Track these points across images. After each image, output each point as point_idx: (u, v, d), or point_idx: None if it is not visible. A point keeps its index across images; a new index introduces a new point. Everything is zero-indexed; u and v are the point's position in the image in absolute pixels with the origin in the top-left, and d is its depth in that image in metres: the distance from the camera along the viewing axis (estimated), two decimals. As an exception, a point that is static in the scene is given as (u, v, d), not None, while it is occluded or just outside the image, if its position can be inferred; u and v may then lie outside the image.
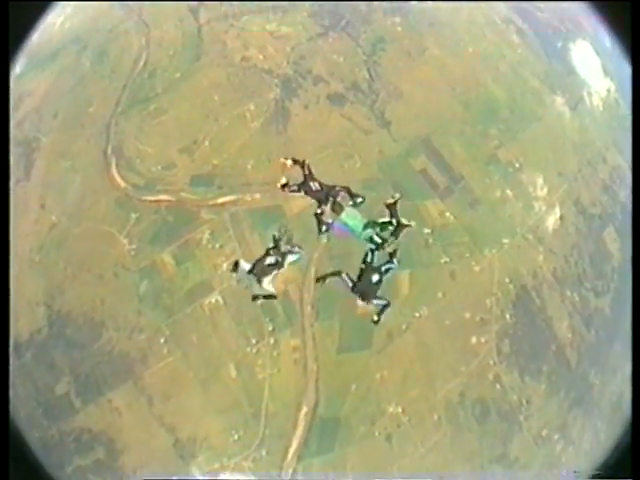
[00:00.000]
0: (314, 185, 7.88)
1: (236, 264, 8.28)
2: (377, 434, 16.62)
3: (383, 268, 7.66)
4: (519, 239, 16.77)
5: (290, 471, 17.10)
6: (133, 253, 17.52)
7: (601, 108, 21.29)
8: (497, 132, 17.16)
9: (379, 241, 7.32)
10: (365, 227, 7.17)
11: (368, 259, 7.45)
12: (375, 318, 7.98)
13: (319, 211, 7.90)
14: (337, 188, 7.60)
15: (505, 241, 16.27)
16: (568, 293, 17.33)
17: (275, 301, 15.18)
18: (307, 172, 7.95)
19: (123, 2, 22.07)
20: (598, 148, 19.68)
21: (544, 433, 18.12)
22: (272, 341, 16.03)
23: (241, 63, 18.93)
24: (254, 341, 16.14)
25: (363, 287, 7.58)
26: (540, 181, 17.19)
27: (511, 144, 17.10)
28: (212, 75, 19.30)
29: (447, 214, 16.30)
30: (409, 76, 18.08)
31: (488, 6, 21.70)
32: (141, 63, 20.69)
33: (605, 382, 19.68)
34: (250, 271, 7.79)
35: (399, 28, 19.43)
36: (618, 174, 20.15)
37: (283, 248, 8.13)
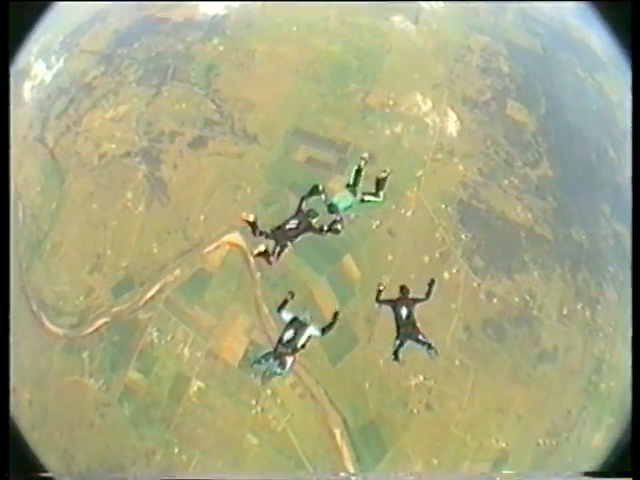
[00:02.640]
0: (293, 223, 7.49)
1: (258, 360, 7.04)
2: (416, 411, 16.21)
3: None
4: (431, 164, 16.54)
5: None
6: (104, 388, 17.17)
7: (442, 4, 21.35)
8: (356, 85, 17.01)
9: (373, 200, 7.17)
10: (354, 194, 7.02)
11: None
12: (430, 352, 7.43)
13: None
14: (305, 210, 7.36)
15: (419, 173, 15.98)
16: (505, 182, 17.01)
17: (251, 355, 15.66)
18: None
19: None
20: (458, 41, 19.58)
21: (565, 311, 18.05)
22: (269, 392, 15.55)
23: (100, 162, 18.75)
24: (254, 402, 15.65)
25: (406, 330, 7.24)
26: (419, 99, 16.96)
27: (375, 87, 16.94)
28: (82, 188, 19.03)
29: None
30: (252, 83, 17.94)
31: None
32: (20, 214, 20.60)
33: (591, 233, 19.32)
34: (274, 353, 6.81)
35: (221, 48, 19.39)
36: (489, 52, 20.03)
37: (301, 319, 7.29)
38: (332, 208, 7.27)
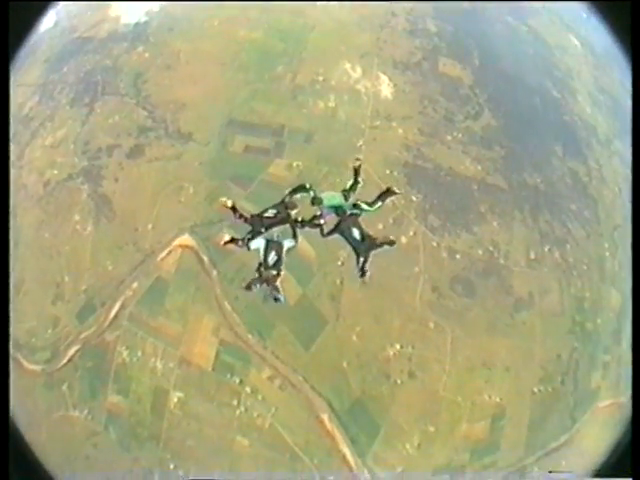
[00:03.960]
0: (271, 212, 7.32)
1: (248, 286, 7.18)
2: (400, 381, 15.84)
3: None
4: (370, 132, 16.36)
5: (365, 471, 17.03)
6: (90, 417, 16.78)
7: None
8: (283, 66, 16.87)
9: (365, 208, 6.97)
10: (345, 199, 6.82)
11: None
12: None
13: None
14: (287, 200, 7.16)
15: (359, 143, 15.81)
16: (448, 137, 16.89)
17: (223, 355, 15.50)
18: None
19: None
20: (382, 9, 19.46)
21: (532, 255, 17.80)
22: (249, 390, 15.19)
23: (45, 190, 18.39)
24: (235, 402, 15.27)
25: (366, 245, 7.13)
26: (349, 69, 16.82)
27: (301, 65, 16.79)
28: (32, 220, 18.55)
29: (293, 164, 15.92)
30: (180, 84, 17.71)
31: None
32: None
33: (546, 175, 19.25)
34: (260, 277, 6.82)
35: (146, 54, 19.08)
36: (415, 15, 19.95)
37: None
38: (315, 201, 6.99)
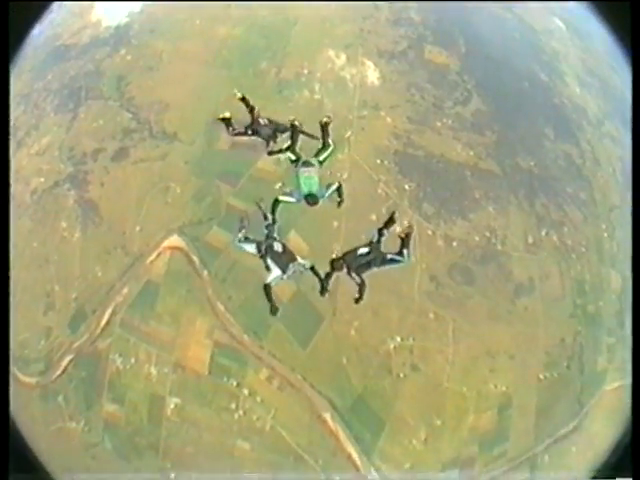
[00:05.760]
0: (263, 120, 6.98)
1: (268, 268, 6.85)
2: (402, 375, 15.44)
3: (389, 256, 6.63)
4: (358, 122, 16.11)
5: (372, 470, 16.66)
6: (87, 429, 16.33)
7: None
8: (268, 62, 16.68)
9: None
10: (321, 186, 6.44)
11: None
12: (356, 296, 6.85)
13: (269, 149, 7.08)
14: (283, 126, 6.84)
15: (347, 134, 15.55)
16: (438, 124, 16.65)
17: (218, 358, 15.16)
18: (254, 111, 7.03)
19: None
20: (364, 1, 19.39)
21: (530, 240, 17.51)
22: (247, 392, 14.74)
23: (32, 199, 18.03)
24: (234, 406, 14.81)
25: (353, 262, 6.64)
26: (332, 54, 16.60)
27: (287, 60, 16.62)
28: (21, 229, 17.94)
29: (281, 158, 15.64)
30: (163, 84, 17.48)
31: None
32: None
33: (539, 158, 18.77)
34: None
35: (128, 57, 18.82)
36: (398, 6, 19.76)
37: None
38: (311, 199, 6.63)
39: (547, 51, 22.35)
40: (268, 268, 6.93)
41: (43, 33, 25.65)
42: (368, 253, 6.87)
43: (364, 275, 6.78)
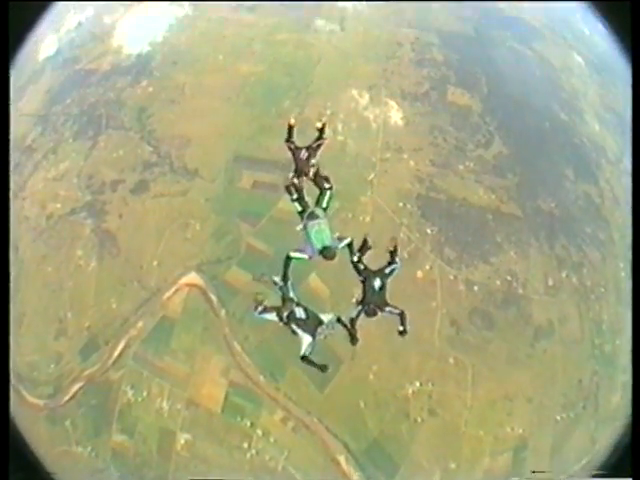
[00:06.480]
0: (303, 154, 6.88)
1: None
2: (420, 419, 15.14)
3: (387, 270, 6.48)
4: (381, 164, 16.01)
5: None
6: (94, 455, 16.19)
7: (365, 4, 21.22)
8: (291, 101, 16.69)
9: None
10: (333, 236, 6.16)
11: (360, 267, 6.37)
12: (401, 329, 6.59)
13: (294, 181, 6.87)
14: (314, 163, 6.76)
15: (370, 176, 15.47)
16: (460, 167, 16.58)
17: (233, 397, 14.79)
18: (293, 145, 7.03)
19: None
20: (387, 39, 19.41)
21: (551, 282, 17.36)
22: (260, 433, 14.44)
23: (48, 223, 17.99)
24: (246, 445, 14.50)
25: (372, 300, 6.41)
26: (355, 94, 16.61)
27: (310, 100, 16.63)
28: (35, 252, 18.00)
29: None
30: (185, 118, 17.53)
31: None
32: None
33: (559, 199, 18.64)
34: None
35: (150, 89, 18.90)
36: (421, 44, 19.81)
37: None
38: (327, 252, 6.40)
39: (567, 89, 22.37)
40: (294, 333, 6.76)
41: (61, 54, 25.82)
42: (382, 285, 6.92)
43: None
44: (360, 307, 6.75)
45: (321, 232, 6.18)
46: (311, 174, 6.66)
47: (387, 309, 6.86)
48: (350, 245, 6.65)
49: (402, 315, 6.56)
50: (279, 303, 6.48)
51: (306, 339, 6.57)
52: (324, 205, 6.58)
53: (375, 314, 6.70)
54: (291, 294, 6.50)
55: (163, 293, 15.49)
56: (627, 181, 23.92)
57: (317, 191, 6.66)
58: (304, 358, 6.34)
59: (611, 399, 17.28)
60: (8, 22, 8.57)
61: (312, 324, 6.40)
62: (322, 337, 6.77)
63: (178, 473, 15.59)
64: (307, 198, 6.45)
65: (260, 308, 6.47)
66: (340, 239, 6.55)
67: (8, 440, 7.61)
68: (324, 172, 6.50)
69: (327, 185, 6.81)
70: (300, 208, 6.59)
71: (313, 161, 7.08)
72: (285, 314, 6.28)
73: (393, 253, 7.10)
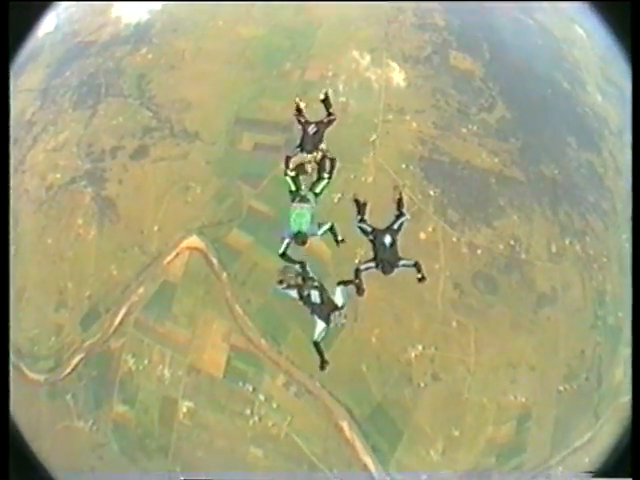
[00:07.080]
0: (312, 129, 6.80)
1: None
2: (423, 384, 15.09)
3: (395, 225, 6.49)
4: (383, 126, 15.88)
5: None
6: (95, 428, 15.96)
7: None
8: (292, 63, 16.55)
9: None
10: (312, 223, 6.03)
11: (366, 226, 6.38)
12: (419, 276, 6.55)
13: (296, 155, 6.84)
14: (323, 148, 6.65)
15: (372, 137, 15.33)
16: (463, 130, 16.42)
17: (234, 362, 14.73)
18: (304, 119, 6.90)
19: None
20: (388, 4, 19.21)
21: (554, 249, 17.25)
22: (262, 398, 14.41)
23: (48, 194, 17.85)
24: (248, 412, 14.48)
25: (384, 257, 6.40)
26: (357, 55, 16.44)
27: (311, 62, 16.48)
28: (34, 225, 17.92)
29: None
30: (185, 83, 17.33)
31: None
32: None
33: (562, 166, 18.31)
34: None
35: (150, 56, 18.71)
36: (422, 10, 19.60)
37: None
38: (300, 237, 6.05)
39: (569, 59, 22.12)
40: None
41: (60, 29, 25.61)
42: (392, 241, 6.66)
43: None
44: (372, 263, 6.69)
45: (301, 216, 6.19)
46: (318, 157, 6.74)
47: (401, 263, 6.83)
48: (332, 229, 6.60)
49: (417, 264, 6.55)
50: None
51: (320, 324, 6.41)
52: (317, 191, 6.55)
53: (392, 270, 6.60)
54: (310, 274, 6.48)
55: (164, 257, 15.37)
56: (629, 154, 23.89)
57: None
58: (316, 344, 6.33)
59: (614, 373, 17.25)
60: (8, 22, 8.52)
61: (326, 309, 6.37)
62: (335, 323, 6.66)
63: (181, 442, 15.56)
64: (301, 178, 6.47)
65: (284, 284, 6.40)
66: (320, 225, 6.48)
67: (8, 440, 7.53)
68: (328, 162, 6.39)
69: (326, 175, 6.64)
70: (294, 187, 6.57)
71: (323, 146, 6.99)
72: (305, 293, 6.29)
73: (399, 203, 7.05)
